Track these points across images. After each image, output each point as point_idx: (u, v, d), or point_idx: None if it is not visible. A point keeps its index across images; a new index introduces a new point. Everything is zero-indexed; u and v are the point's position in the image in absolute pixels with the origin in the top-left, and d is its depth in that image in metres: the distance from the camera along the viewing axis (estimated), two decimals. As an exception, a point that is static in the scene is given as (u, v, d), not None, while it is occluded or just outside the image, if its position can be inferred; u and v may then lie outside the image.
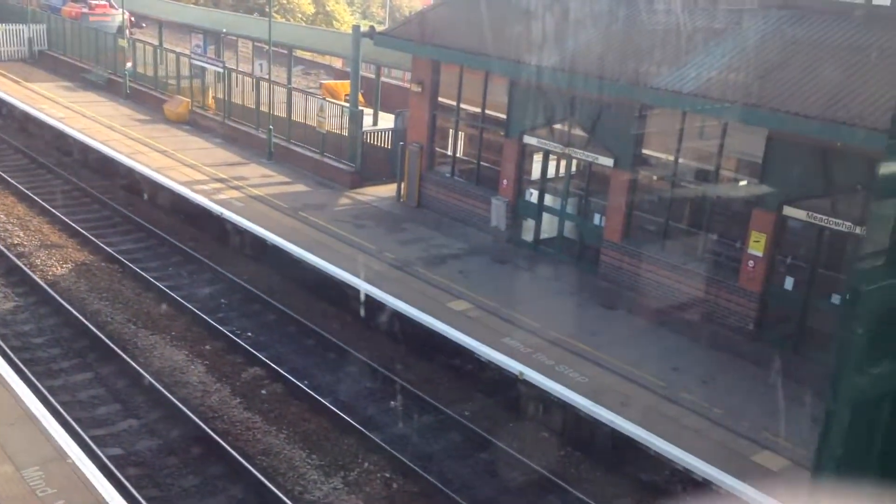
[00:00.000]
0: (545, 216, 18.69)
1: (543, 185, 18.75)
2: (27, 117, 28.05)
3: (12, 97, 29.70)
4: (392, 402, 13.65)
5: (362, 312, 15.94)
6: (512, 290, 16.63)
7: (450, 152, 21.21)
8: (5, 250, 18.20)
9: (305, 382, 13.95)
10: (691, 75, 14.89)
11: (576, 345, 14.22)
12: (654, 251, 16.19)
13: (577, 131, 17.69)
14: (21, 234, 19.40)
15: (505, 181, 19.33)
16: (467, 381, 14.07)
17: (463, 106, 20.53)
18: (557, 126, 18.09)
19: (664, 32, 16.71)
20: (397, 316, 15.35)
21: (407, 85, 27.26)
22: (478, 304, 15.72)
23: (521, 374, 13.05)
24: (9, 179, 23.05)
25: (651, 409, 12.38)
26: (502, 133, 19.37)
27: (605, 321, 15.48)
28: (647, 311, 15.55)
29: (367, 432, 12.48)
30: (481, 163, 20.34)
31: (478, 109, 20.13)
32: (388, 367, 14.44)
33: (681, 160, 15.75)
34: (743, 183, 15.24)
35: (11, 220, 20.27)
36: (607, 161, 16.99)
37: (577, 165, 18.10)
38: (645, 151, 16.58)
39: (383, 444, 12.19)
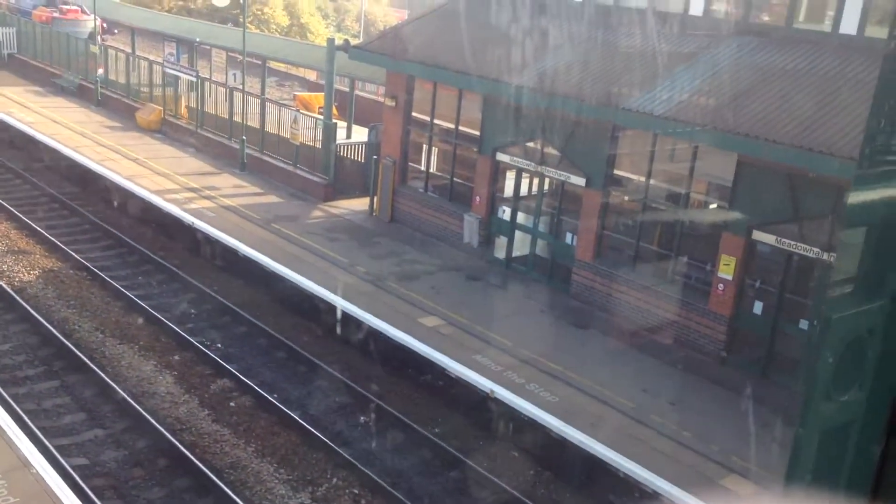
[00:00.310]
0: (518, 234, 18.84)
1: (516, 202, 18.90)
2: (-5, 121, 27.64)
3: (-20, 100, 29.27)
4: (362, 418, 13.62)
5: (339, 329, 15.89)
6: (484, 307, 16.72)
7: (423, 167, 21.29)
8: (-30, 256, 17.89)
9: (275, 395, 13.86)
10: (663, 98, 15.16)
11: (547, 364, 14.32)
12: (625, 272, 16.39)
13: (550, 150, 17.88)
14: (-13, 240, 19.08)
15: (478, 198, 19.45)
16: (438, 397, 14.08)
17: (437, 121, 20.64)
18: (530, 144, 18.27)
19: (638, 56, 17.00)
20: (368, 330, 15.34)
21: (381, 99, 27.34)
22: (449, 320, 15.78)
23: (492, 392, 13.11)
24: (-25, 183, 22.70)
25: (621, 431, 12.49)
26: (475, 149, 19.50)
27: (577, 341, 15.61)
28: (619, 332, 15.72)
29: (336, 447, 12.43)
30: (454, 179, 20.44)
31: (451, 125, 20.26)
32: (359, 382, 14.40)
33: (652, 182, 15.99)
34: (713, 206, 15.52)
35: (-24, 225, 19.94)
36: (579, 180, 17.19)
37: (550, 184, 18.28)
38: (617, 172, 16.80)
39: (352, 460, 12.15)
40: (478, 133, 19.46)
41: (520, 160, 18.50)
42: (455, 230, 19.94)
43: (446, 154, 20.86)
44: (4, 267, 17.70)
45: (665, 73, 15.90)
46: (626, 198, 16.96)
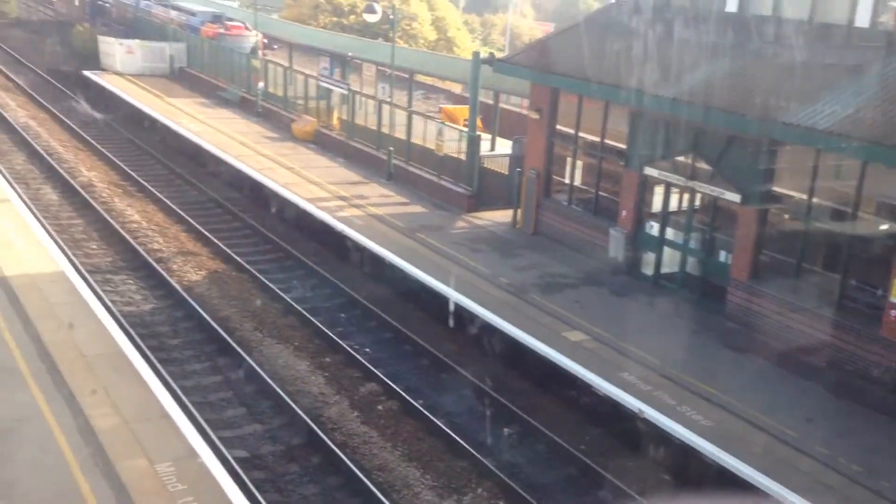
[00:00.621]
0: (666, 250, 18.37)
1: (665, 218, 18.44)
2: (167, 130, 29.80)
3: (154, 111, 31.64)
4: (506, 429, 13.67)
5: (481, 340, 16.02)
6: (631, 323, 16.38)
7: (567, 180, 21.17)
8: (146, 255, 19.36)
9: (420, 402, 14.15)
10: (826, 112, 14.39)
11: (699, 385, 13.85)
12: (785, 293, 15.62)
13: (702, 164, 17.35)
14: (160, 241, 20.60)
15: (624, 212, 19.13)
16: (582, 414, 13.93)
17: (581, 134, 20.48)
18: (680, 159, 17.80)
19: (799, 68, 16.21)
20: (512, 342, 15.39)
21: (525, 111, 27.45)
22: (594, 335, 15.58)
23: (641, 411, 12.82)
24: (150, 188, 24.54)
25: (783, 461, 11.87)
26: (622, 163, 19.20)
27: (732, 363, 15.01)
28: (776, 356, 14.98)
29: (480, 457, 12.54)
30: (599, 192, 20.20)
31: (597, 138, 20.04)
32: (502, 394, 14.47)
33: (815, 199, 15.19)
34: (884, 227, 14.55)
35: (152, 227, 21.56)
36: (734, 197, 16.58)
37: (701, 200, 17.74)
38: (776, 188, 16.08)
39: (497, 471, 12.22)
40: (624, 146, 19.15)
41: (669, 175, 18.06)
42: (599, 244, 19.69)
43: (591, 167, 20.66)
44: (175, 266, 19.04)
45: (828, 86, 15.10)
46: (786, 216, 16.19)
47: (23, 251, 16.59)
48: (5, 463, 10.00)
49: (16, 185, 22.92)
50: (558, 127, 21.02)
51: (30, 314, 13.96)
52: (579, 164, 21.00)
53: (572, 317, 16.41)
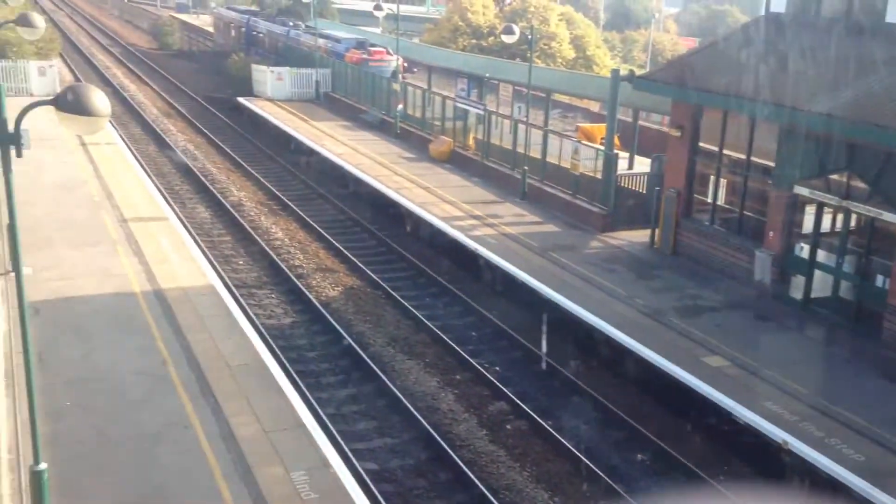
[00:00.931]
0: (817, 273, 17.26)
1: (816, 239, 17.36)
2: (311, 152, 31.13)
3: (300, 134, 33.16)
4: (639, 455, 13.21)
5: (615, 362, 15.63)
6: (776, 350, 15.47)
7: (709, 199, 20.38)
8: (287, 271, 20.23)
9: (549, 423, 13.93)
10: None
11: (850, 418, 12.86)
12: (949, 321, 14.33)
13: (858, 183, 16.23)
14: (301, 257, 21.48)
15: (771, 233, 18.17)
16: (721, 442, 13.25)
17: (725, 152, 19.69)
18: (834, 177, 16.73)
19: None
20: (646, 365, 14.89)
21: (665, 129, 26.71)
22: (736, 361, 14.81)
23: (786, 442, 12.04)
24: (293, 207, 25.69)
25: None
26: (769, 182, 18.28)
27: (887, 394, 13.86)
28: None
29: (611, 482, 12.17)
30: (744, 212, 19.31)
31: (742, 156, 19.19)
32: (636, 418, 14.01)
33: None
34: None
35: (294, 244, 22.52)
36: (893, 217, 15.39)
37: (857, 220, 16.58)
38: (943, 209, 14.81)
39: (627, 496, 11.81)
40: (772, 164, 18.23)
41: (821, 194, 17.00)
42: (743, 266, 18.78)
43: (735, 186, 19.80)
44: (314, 282, 19.77)
45: None
46: (954, 238, 14.86)
47: (177, 265, 17.72)
48: (154, 467, 10.62)
49: (173, 204, 24.56)
50: (701, 144, 20.32)
51: (181, 325, 14.85)
52: (723, 182, 20.19)
53: (712, 341, 15.69)
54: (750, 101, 17.50)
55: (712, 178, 20.33)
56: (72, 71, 48.96)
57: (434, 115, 32.47)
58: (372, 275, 20.18)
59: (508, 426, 13.97)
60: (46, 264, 17.03)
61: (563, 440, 13.27)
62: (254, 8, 65.07)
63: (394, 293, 19.09)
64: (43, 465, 9.31)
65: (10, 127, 8.24)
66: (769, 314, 17.12)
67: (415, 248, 22.47)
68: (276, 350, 15.47)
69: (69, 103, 7.68)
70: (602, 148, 24.43)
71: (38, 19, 16.09)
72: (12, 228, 9.15)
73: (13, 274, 15.80)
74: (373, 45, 43.19)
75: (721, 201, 20.21)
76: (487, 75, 35.71)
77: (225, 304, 15.95)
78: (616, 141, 25.24)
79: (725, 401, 13.27)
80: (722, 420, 13.24)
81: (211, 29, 63.24)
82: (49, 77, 35.38)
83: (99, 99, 7.76)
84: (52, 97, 7.96)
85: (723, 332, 16.07)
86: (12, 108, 8.01)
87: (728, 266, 19.28)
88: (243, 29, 54.45)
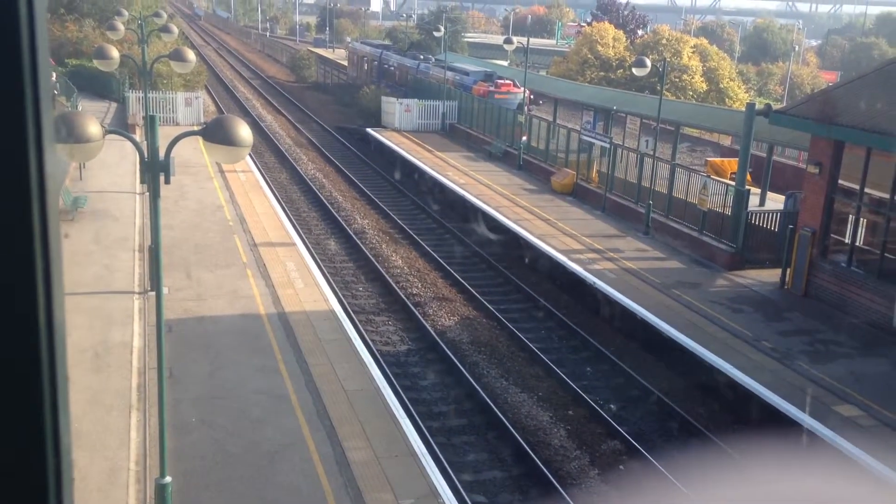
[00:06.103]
0: (968, 322, 15.97)
1: (967, 285, 16.08)
2: (434, 182, 31.68)
3: (425, 164, 33.83)
4: None
5: (738, 406, 14.93)
6: (917, 403, 14.37)
7: (847, 240, 19.26)
8: (405, 299, 20.57)
9: (663, 464, 13.43)
10: None
11: None
12: None
13: None
14: (419, 286, 21.80)
15: (916, 277, 16.97)
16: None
17: (867, 190, 18.58)
18: None
19: None
20: (772, 411, 14.13)
21: (801, 165, 25.53)
22: (871, 412, 13.83)
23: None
24: (414, 236, 26.15)
25: None
26: (915, 223, 17.10)
27: None
28: None
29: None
30: (885, 254, 18.12)
31: (886, 195, 18.06)
32: (756, 466, 13.28)
33: None
34: None
35: (412, 273, 22.90)
36: None
37: None
38: None
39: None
40: (919, 203, 17.07)
41: (974, 236, 15.75)
42: (883, 311, 17.58)
43: (877, 226, 18.63)
44: (430, 311, 20.00)
45: None
46: None
47: (302, 290, 18.39)
48: (269, 484, 10.98)
49: (300, 230, 25.55)
50: (840, 182, 19.29)
51: (302, 348, 15.36)
52: (862, 222, 19.06)
53: (845, 389, 14.73)
54: None
55: (851, 217, 19.24)
56: (215, 101, 52.07)
57: (558, 148, 32.36)
58: (488, 305, 20.21)
59: (622, 466, 13.57)
60: (181, 285, 18.07)
61: (681, 486, 12.73)
62: (386, 42, 67.28)
63: (509, 324, 19.03)
64: (168, 479, 9.76)
65: (162, 154, 8.83)
66: (911, 364, 15.93)
67: (532, 280, 22.35)
68: (391, 377, 15.72)
69: (216, 134, 8.16)
70: (732, 183, 23.60)
71: (190, 54, 17.26)
72: (155, 250, 9.78)
73: (152, 293, 16.90)
74: (500, 78, 43.63)
75: (860, 242, 19.07)
76: (615, 108, 35.30)
77: (344, 330, 16.39)
78: (748, 176, 24.33)
79: (855, 451, 12.40)
80: (857, 475, 12.36)
81: (345, 62, 65.77)
82: (195, 108, 37.79)
83: (243, 130, 8.20)
84: (197, 127, 8.50)
85: (857, 381, 15.06)
86: (161, 137, 8.61)
87: (866, 311, 18.10)
88: (375, 62, 56.32)
